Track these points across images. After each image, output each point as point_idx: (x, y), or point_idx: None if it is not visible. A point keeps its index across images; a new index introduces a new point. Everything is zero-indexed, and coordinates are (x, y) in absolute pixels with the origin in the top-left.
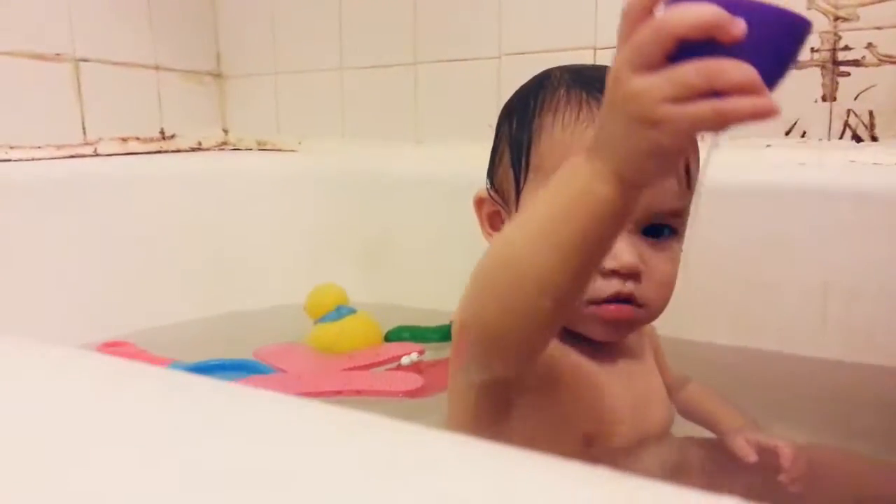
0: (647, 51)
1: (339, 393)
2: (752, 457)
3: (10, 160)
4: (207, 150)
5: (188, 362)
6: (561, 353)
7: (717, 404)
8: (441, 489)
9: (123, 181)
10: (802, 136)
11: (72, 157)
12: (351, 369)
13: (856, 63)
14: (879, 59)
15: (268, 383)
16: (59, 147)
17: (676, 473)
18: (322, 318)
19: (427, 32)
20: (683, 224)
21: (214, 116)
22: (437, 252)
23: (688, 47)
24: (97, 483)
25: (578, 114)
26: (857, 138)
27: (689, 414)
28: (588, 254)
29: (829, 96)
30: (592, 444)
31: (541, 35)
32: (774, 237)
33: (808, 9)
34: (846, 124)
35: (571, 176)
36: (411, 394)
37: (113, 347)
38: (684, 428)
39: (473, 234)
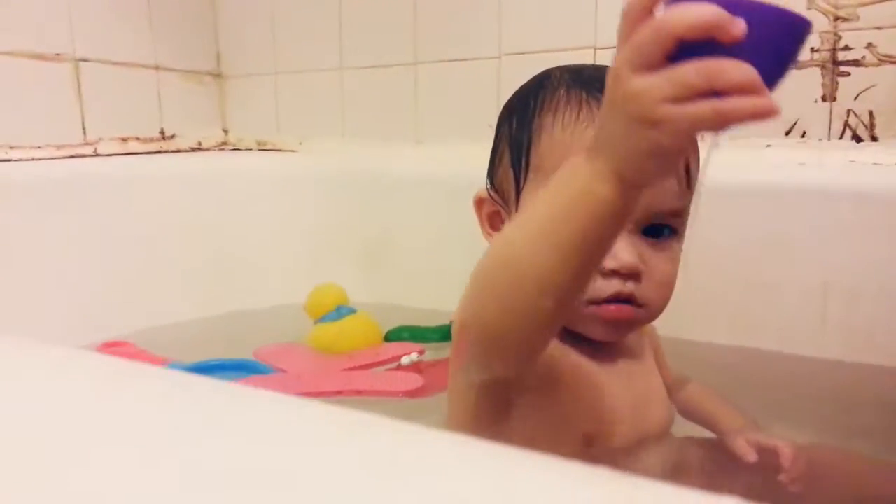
0: (647, 51)
1: (339, 393)
2: (751, 457)
3: (10, 160)
4: (207, 150)
5: (188, 362)
6: (561, 353)
7: (717, 404)
8: (442, 489)
9: (123, 181)
10: (802, 136)
11: (72, 157)
12: (351, 369)
13: (856, 63)
14: (879, 59)
15: (267, 383)
16: (59, 147)
17: (676, 473)
18: (322, 318)
19: (427, 32)
20: (683, 224)
21: (214, 116)
22: (438, 252)
23: (688, 47)
24: (97, 483)
25: (578, 114)
26: (857, 138)
27: (690, 414)
28: (588, 253)
29: (829, 96)
30: (592, 444)
31: (541, 35)
32: (774, 237)
33: (808, 9)
34: (846, 124)
35: (571, 176)
36: (411, 394)
37: (113, 347)
38: (684, 428)
39: (473, 235)
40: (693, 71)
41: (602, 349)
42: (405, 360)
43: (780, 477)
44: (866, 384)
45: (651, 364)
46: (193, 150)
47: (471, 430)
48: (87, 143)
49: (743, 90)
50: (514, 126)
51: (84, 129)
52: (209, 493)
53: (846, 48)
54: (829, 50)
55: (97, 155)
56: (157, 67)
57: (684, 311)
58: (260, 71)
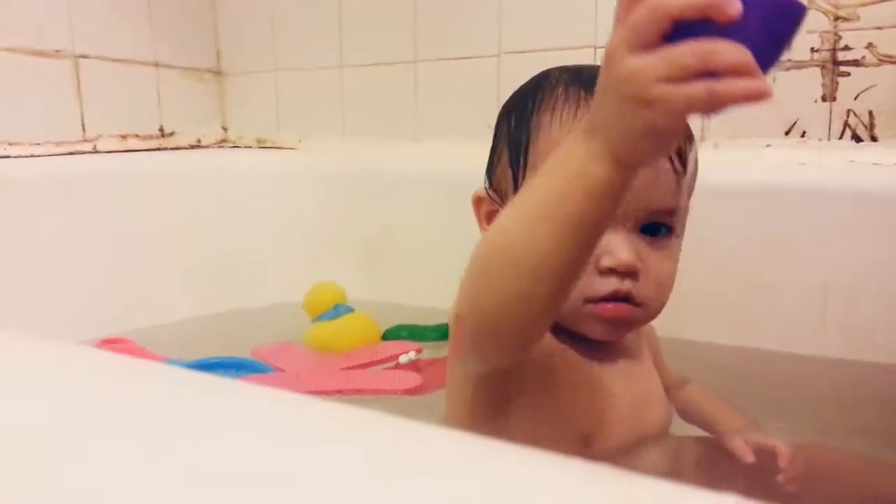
0: (643, 30)
1: (339, 392)
2: (749, 457)
3: (9, 157)
4: (207, 147)
5: (186, 360)
6: (559, 352)
7: (716, 405)
8: (443, 487)
9: (122, 178)
10: (802, 136)
11: (71, 153)
12: (349, 368)
13: (856, 63)
14: (879, 59)
15: (266, 382)
16: (58, 144)
17: (674, 474)
18: (320, 317)
19: (427, 30)
20: (682, 224)
21: (214, 114)
22: (437, 250)
23: (683, 28)
24: (96, 479)
25: (576, 112)
26: (857, 138)
27: (689, 414)
28: (584, 236)
29: (829, 96)
30: (590, 444)
31: (540, 34)
32: (774, 237)
33: (809, 8)
34: (846, 124)
35: (566, 158)
36: (410, 392)
37: (111, 344)
38: (683, 428)
39: (473, 233)
40: (688, 51)
41: (600, 349)
42: (403, 359)
43: (778, 477)
44: (866, 383)
45: (649, 364)
46: (193, 147)
47: (468, 425)
48: (86, 140)
49: (737, 72)
50: (513, 125)
51: (83, 125)
52: (209, 489)
53: (846, 48)
54: (829, 50)
55: (96, 152)
56: (156, 64)
57: (684, 311)
58: (260, 68)
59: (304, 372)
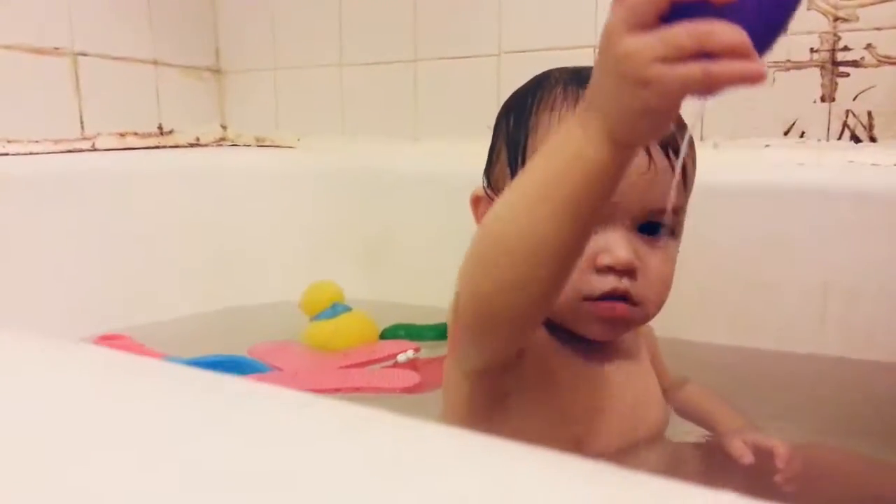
0: (641, 11)
1: (337, 390)
2: (747, 458)
3: (7, 154)
4: (206, 146)
5: (183, 358)
6: (556, 352)
7: (715, 405)
8: (443, 485)
9: (121, 176)
10: (801, 136)
11: (69, 151)
12: (347, 367)
13: (855, 64)
14: (878, 60)
15: (265, 381)
16: (56, 141)
17: (670, 474)
18: (317, 316)
19: (427, 29)
20: (680, 224)
21: (213, 112)
22: (436, 249)
23: (680, 8)
24: (95, 476)
25: (575, 111)
26: (856, 139)
27: (688, 415)
28: (581, 219)
29: (828, 97)
30: (585, 444)
31: (540, 33)
32: (774, 237)
33: (808, 9)
34: (845, 125)
35: (563, 141)
36: (408, 390)
37: (109, 340)
38: (682, 429)
39: (471, 233)
40: (685, 32)
41: (597, 349)
42: (401, 358)
43: (776, 477)
44: (866, 382)
45: (647, 365)
46: (192, 145)
47: (465, 422)
48: (84, 138)
49: (733, 53)
50: (512, 124)
51: (82, 123)
52: (209, 487)
53: (845, 49)
54: (828, 50)
55: (95, 150)
56: (155, 63)
57: (684, 311)
58: (259, 67)
59: (302, 371)
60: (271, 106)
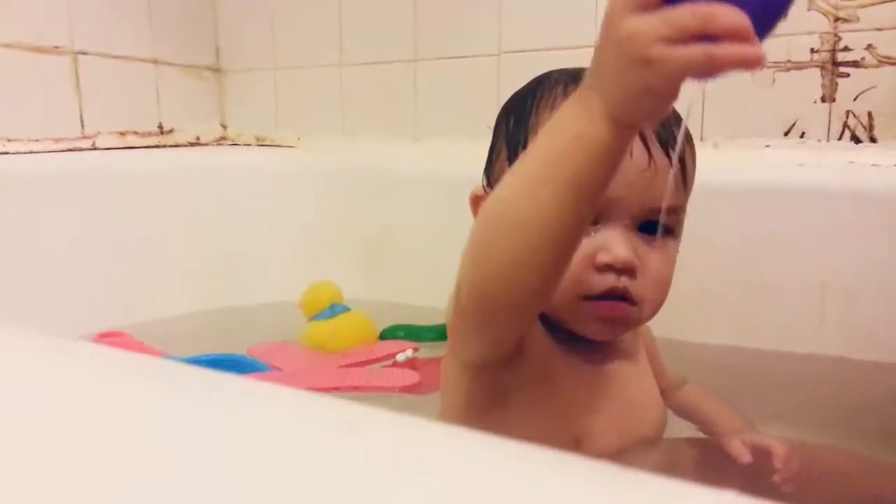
0: None
1: (336, 389)
2: (746, 457)
3: (7, 153)
4: (206, 145)
5: (183, 357)
6: (554, 352)
7: (714, 405)
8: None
9: (121, 175)
10: (801, 136)
11: (69, 150)
12: (346, 366)
13: (855, 64)
14: (879, 61)
15: (264, 380)
16: (56, 140)
17: (670, 475)
18: (316, 316)
19: (427, 29)
20: (680, 223)
21: (213, 111)
22: (436, 249)
23: None
24: (94, 474)
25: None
26: (856, 139)
27: (686, 415)
28: (584, 201)
29: (829, 97)
30: (584, 445)
31: (541, 33)
32: (774, 237)
33: (809, 9)
34: (845, 125)
35: (564, 122)
36: (408, 389)
37: (109, 338)
38: (681, 429)
39: None
40: (688, 13)
41: (596, 349)
42: (400, 357)
43: (774, 477)
44: (866, 382)
45: (645, 365)
46: (192, 145)
47: (463, 419)
48: (84, 137)
49: (735, 36)
50: (512, 124)
51: (82, 122)
52: (209, 485)
53: (846, 49)
54: (828, 51)
55: (95, 149)
56: (155, 61)
57: (683, 312)
58: (259, 66)
59: (301, 370)
60: (271, 105)
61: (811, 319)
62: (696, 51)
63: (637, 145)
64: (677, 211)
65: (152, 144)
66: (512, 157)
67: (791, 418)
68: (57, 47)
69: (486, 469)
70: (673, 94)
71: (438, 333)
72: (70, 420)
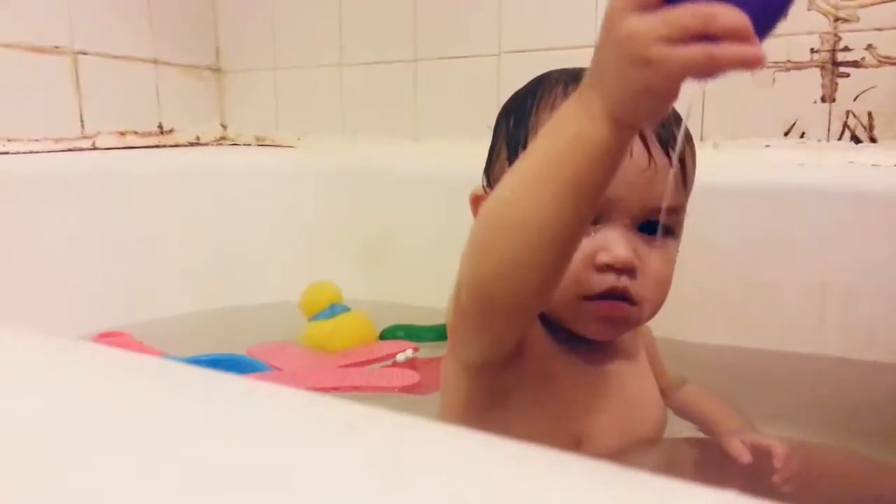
0: None
1: (335, 389)
2: (745, 457)
3: (7, 153)
4: (206, 145)
5: (182, 357)
6: (554, 352)
7: (714, 405)
8: (443, 484)
9: (121, 175)
10: (801, 136)
11: (69, 150)
12: (346, 366)
13: (855, 64)
14: (879, 61)
15: (264, 380)
16: (56, 140)
17: (670, 475)
18: (315, 316)
19: (427, 29)
20: (680, 223)
21: (213, 111)
22: (435, 250)
23: None
24: (94, 474)
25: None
26: (856, 139)
27: (686, 415)
28: (584, 201)
29: (829, 97)
30: (584, 445)
31: (541, 33)
32: (774, 237)
33: (809, 10)
34: (845, 125)
35: (564, 122)
36: (408, 389)
37: (109, 338)
38: (681, 429)
39: None
40: (688, 13)
41: (596, 349)
42: (400, 357)
43: (774, 477)
44: (866, 382)
45: (645, 366)
46: (192, 144)
47: (463, 419)
48: (84, 137)
49: (735, 36)
50: (512, 124)
51: (82, 122)
52: (209, 485)
53: (846, 49)
54: (828, 51)
55: (95, 149)
56: (155, 61)
57: (684, 312)
58: (259, 66)
59: (301, 370)
60: (271, 105)
61: (811, 319)
62: (696, 51)
63: (637, 145)
64: (677, 211)
65: (152, 144)
66: (512, 157)
67: (791, 418)
68: (57, 47)
69: (486, 469)
70: (673, 94)
71: (438, 333)
72: (70, 420)
